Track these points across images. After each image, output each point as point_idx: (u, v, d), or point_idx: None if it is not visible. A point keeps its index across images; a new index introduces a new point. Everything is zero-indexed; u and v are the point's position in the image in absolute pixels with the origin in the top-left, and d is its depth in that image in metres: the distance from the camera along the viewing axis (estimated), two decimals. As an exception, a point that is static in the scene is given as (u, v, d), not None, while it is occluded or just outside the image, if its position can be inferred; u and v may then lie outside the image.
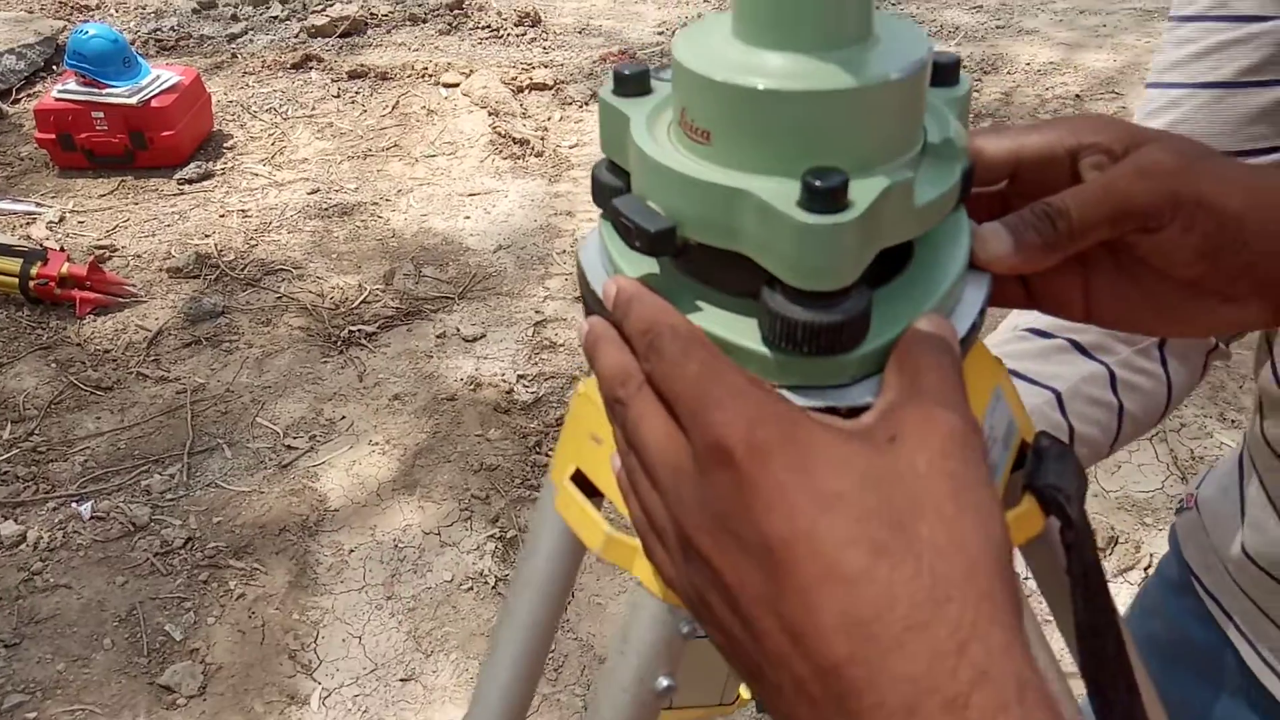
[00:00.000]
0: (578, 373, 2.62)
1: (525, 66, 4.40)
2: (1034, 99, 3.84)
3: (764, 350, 0.34)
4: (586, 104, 4.10)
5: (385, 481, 2.30)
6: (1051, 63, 4.10)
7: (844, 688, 0.27)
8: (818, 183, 0.30)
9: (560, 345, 2.73)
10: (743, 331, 0.34)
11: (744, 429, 0.30)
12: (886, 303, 0.35)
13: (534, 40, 4.71)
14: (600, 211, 0.39)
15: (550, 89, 4.22)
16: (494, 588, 2.05)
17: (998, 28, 4.50)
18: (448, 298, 2.95)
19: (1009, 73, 4.07)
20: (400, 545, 2.15)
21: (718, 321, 0.35)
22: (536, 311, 2.87)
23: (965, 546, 0.28)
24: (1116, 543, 2.09)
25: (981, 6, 4.74)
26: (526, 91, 4.20)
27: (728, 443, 0.30)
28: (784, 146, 0.32)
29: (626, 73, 0.38)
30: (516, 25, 4.82)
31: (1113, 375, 0.61)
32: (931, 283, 0.36)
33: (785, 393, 0.34)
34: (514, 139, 3.77)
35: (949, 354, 0.33)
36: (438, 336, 2.79)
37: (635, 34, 4.74)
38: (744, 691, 0.77)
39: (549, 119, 3.99)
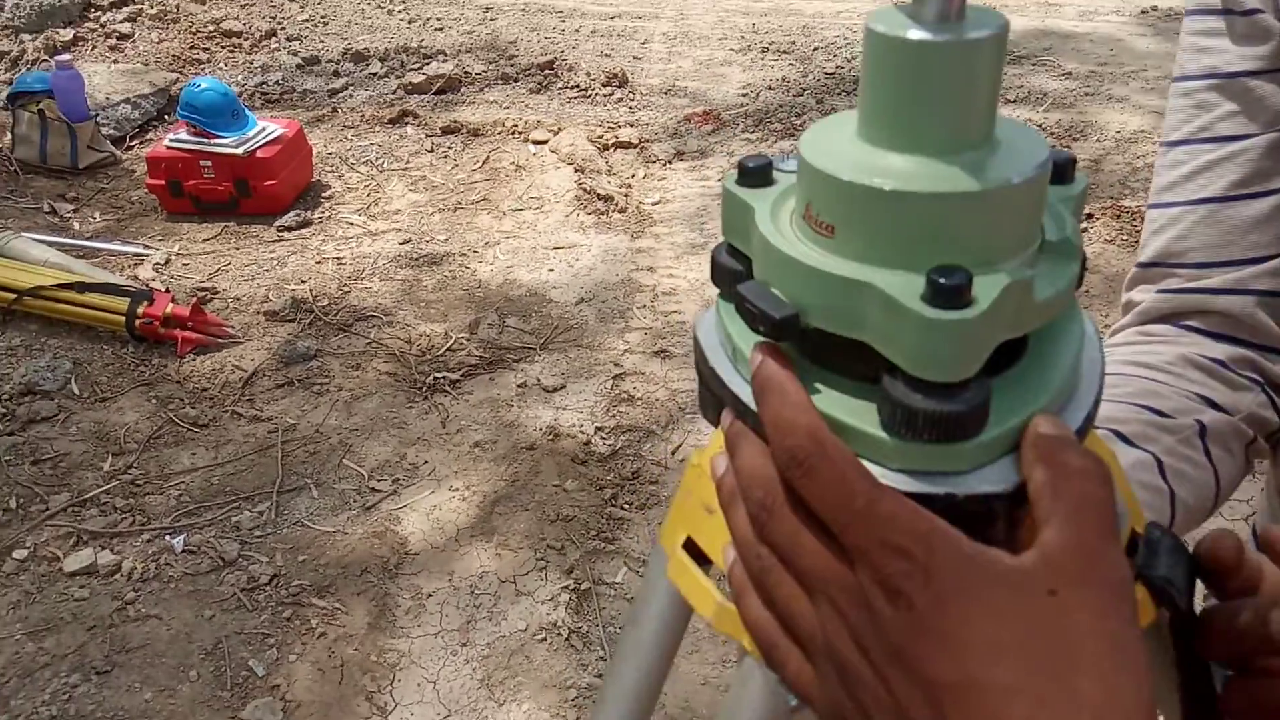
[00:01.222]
0: (654, 427, 2.65)
1: (611, 125, 4.50)
2: (1124, 166, 3.79)
3: (883, 435, 0.35)
4: (669, 162, 4.18)
5: (464, 527, 2.34)
6: (1141, 130, 4.04)
7: None
8: (942, 280, 0.32)
9: (638, 399, 2.76)
10: (861, 415, 0.36)
11: (922, 578, 0.32)
12: (1004, 392, 0.36)
13: (620, 100, 4.83)
14: (719, 292, 0.42)
15: (635, 147, 4.31)
16: (567, 639, 2.06)
17: (1087, 94, 4.47)
18: (530, 348, 3.00)
19: (1098, 140, 4.03)
20: (476, 591, 2.17)
21: (836, 404, 0.36)
22: (615, 365, 2.91)
23: (1121, 703, 0.30)
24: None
25: (1071, 74, 4.72)
26: (612, 149, 4.29)
27: (907, 588, 0.32)
28: (908, 243, 0.34)
29: (750, 165, 0.40)
30: (604, 85, 4.94)
31: (1160, 462, 0.61)
32: (1048, 373, 0.37)
33: (902, 476, 0.35)
34: (598, 195, 3.85)
35: (1106, 486, 0.34)
36: (519, 386, 2.84)
37: (719, 95, 4.82)
38: None
39: (633, 176, 4.07)
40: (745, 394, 0.40)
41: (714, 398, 0.42)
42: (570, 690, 1.95)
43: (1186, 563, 0.40)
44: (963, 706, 0.30)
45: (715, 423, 0.43)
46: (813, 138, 0.38)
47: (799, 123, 4.36)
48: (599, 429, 2.65)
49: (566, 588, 2.17)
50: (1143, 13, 6.02)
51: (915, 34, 0.34)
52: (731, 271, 0.40)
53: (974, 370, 0.33)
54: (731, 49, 5.41)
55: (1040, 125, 4.16)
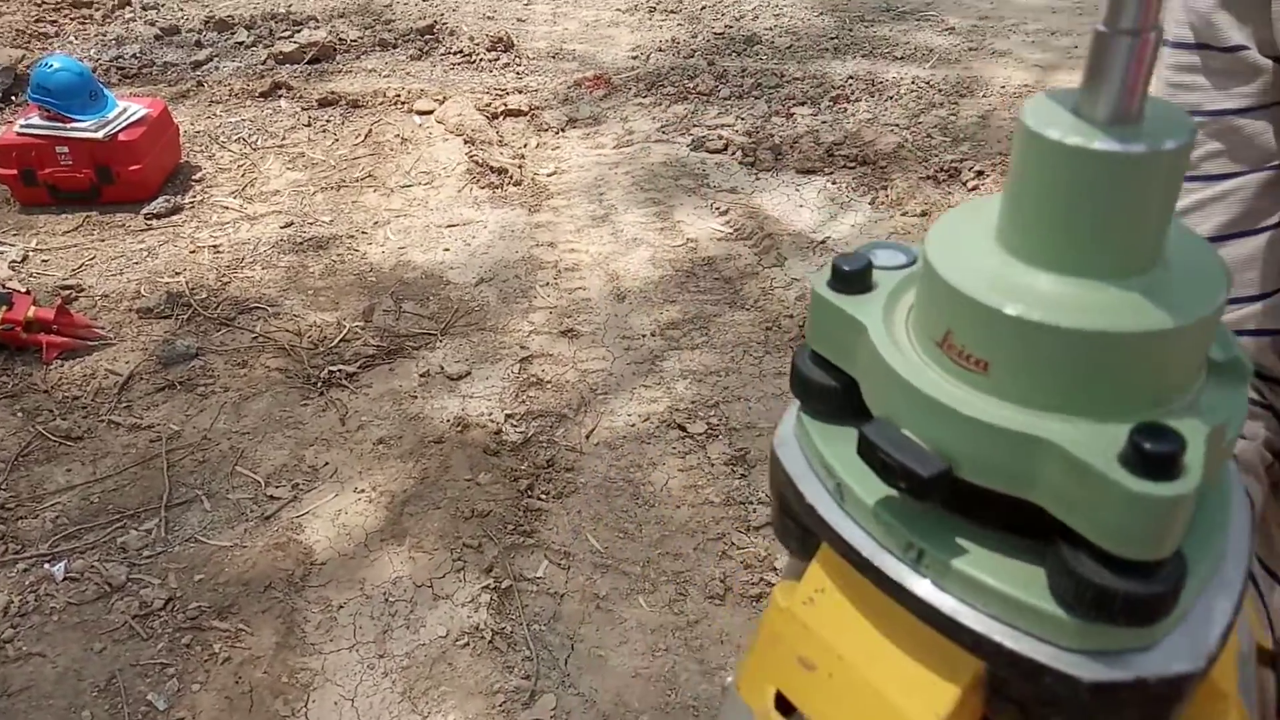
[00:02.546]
0: (566, 410, 2.57)
1: (499, 93, 4.35)
2: (1010, 121, 3.84)
3: (1061, 614, 0.29)
4: (563, 130, 4.06)
5: (373, 531, 2.23)
6: (1026, 85, 4.11)
7: None
8: (1149, 446, 0.26)
9: (548, 382, 2.68)
10: (1026, 586, 0.29)
11: None
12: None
13: (507, 66, 4.67)
14: (800, 405, 0.36)
15: (525, 115, 4.17)
16: (490, 642, 1.98)
17: (970, 49, 4.52)
18: (430, 334, 2.88)
19: (984, 95, 4.08)
20: (391, 599, 2.07)
21: (994, 571, 0.30)
22: (522, 347, 2.81)
23: None
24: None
25: (954, 29, 4.76)
26: (501, 118, 4.15)
27: None
28: (1089, 386, 0.28)
29: (848, 269, 0.34)
30: (489, 51, 4.77)
31: None
32: (1217, 523, 0.32)
33: (1082, 658, 0.29)
34: (491, 168, 3.71)
35: None
36: (421, 375, 2.72)
37: (609, 58, 4.70)
38: None
39: (525, 146, 3.94)
40: (855, 536, 0.33)
41: (800, 529, 0.35)
42: (498, 695, 1.88)
43: None
44: None
45: (798, 554, 0.36)
46: (944, 244, 0.31)
47: (691, 85, 4.29)
48: (509, 416, 2.56)
49: (486, 587, 2.09)
50: (1017, -35, 6.11)
51: (1100, 144, 0.27)
52: (825, 389, 0.34)
53: (1179, 545, 0.28)
54: (618, 9, 5.29)
55: (928, 82, 4.19)
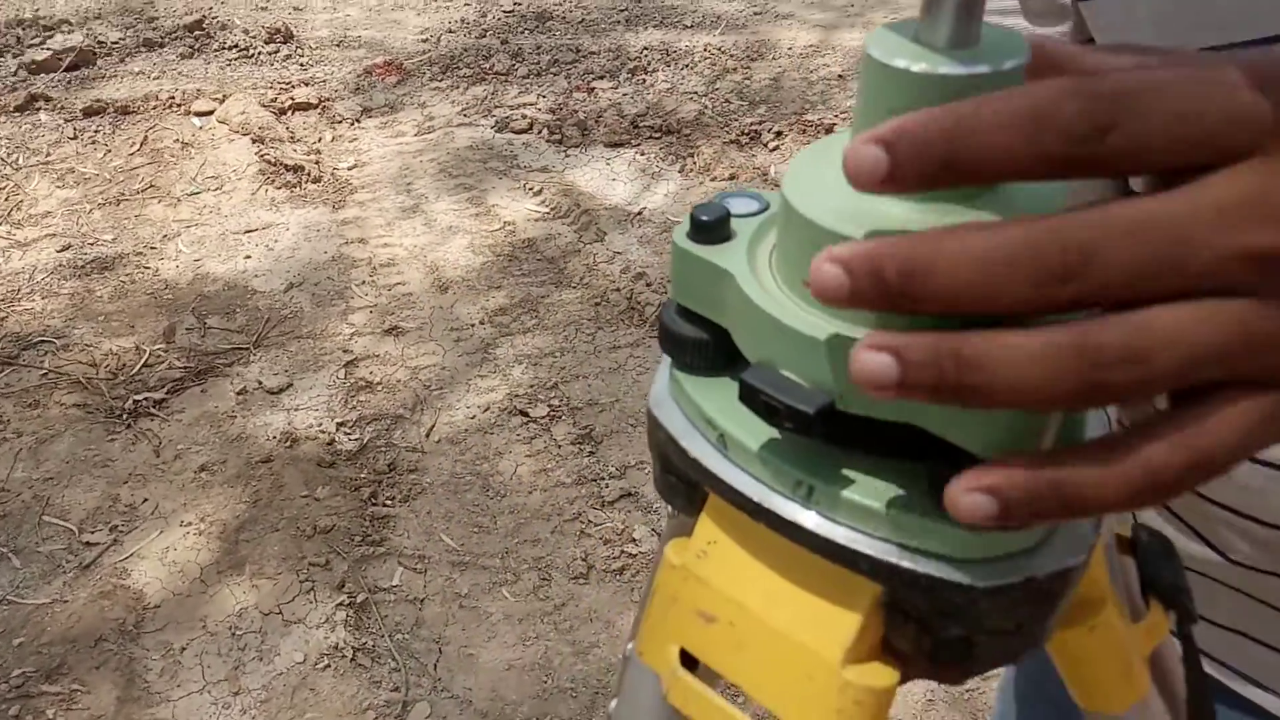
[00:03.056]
0: (402, 411, 2.49)
1: (284, 86, 4.13)
2: (802, 81, 3.99)
3: (951, 528, 0.29)
4: (358, 121, 3.90)
5: (208, 565, 2.09)
6: (812, 45, 4.27)
7: None
8: None
9: (378, 384, 2.58)
10: (916, 507, 0.30)
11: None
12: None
13: (289, 57, 4.44)
14: (673, 362, 0.36)
15: (316, 108, 3.99)
16: (353, 660, 1.91)
17: (756, 14, 4.66)
18: (242, 348, 2.72)
19: (774, 58, 4.21)
20: (238, 633, 1.96)
21: (882, 496, 0.30)
22: (344, 351, 2.70)
23: None
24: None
25: (737, -7, 4.89)
26: (290, 113, 3.94)
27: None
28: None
29: (706, 219, 0.33)
30: (267, 43, 4.52)
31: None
32: (1077, 421, 0.33)
33: (975, 568, 0.30)
34: (286, 166, 3.53)
35: None
36: (238, 393, 2.56)
37: (398, 42, 4.55)
38: None
39: (320, 141, 3.77)
40: (743, 483, 0.32)
41: (685, 485, 0.35)
42: (368, 713, 1.82)
43: (1178, 561, 0.38)
44: None
45: (685, 510, 0.35)
46: (800, 183, 0.30)
47: (488, 66, 4.21)
48: (341, 424, 2.45)
49: (341, 604, 2.01)
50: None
51: (945, 69, 0.27)
52: (696, 342, 0.34)
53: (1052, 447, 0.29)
54: (401, -8, 5.13)
55: (720, 49, 4.28)
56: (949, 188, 0.26)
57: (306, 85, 4.15)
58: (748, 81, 4.02)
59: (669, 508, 0.48)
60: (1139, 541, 0.38)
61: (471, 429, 2.44)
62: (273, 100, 3.98)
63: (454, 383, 2.58)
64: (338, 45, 4.57)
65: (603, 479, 2.27)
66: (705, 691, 0.34)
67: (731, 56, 4.21)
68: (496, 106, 3.92)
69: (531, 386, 2.55)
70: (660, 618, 0.36)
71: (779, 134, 3.61)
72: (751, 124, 3.66)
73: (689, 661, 0.36)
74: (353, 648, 1.92)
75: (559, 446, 2.37)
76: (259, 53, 4.47)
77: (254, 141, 3.68)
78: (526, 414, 2.46)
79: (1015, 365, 0.25)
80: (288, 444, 2.39)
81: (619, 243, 3.05)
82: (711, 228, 0.33)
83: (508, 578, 2.07)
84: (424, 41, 4.55)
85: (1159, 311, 0.25)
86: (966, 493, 0.26)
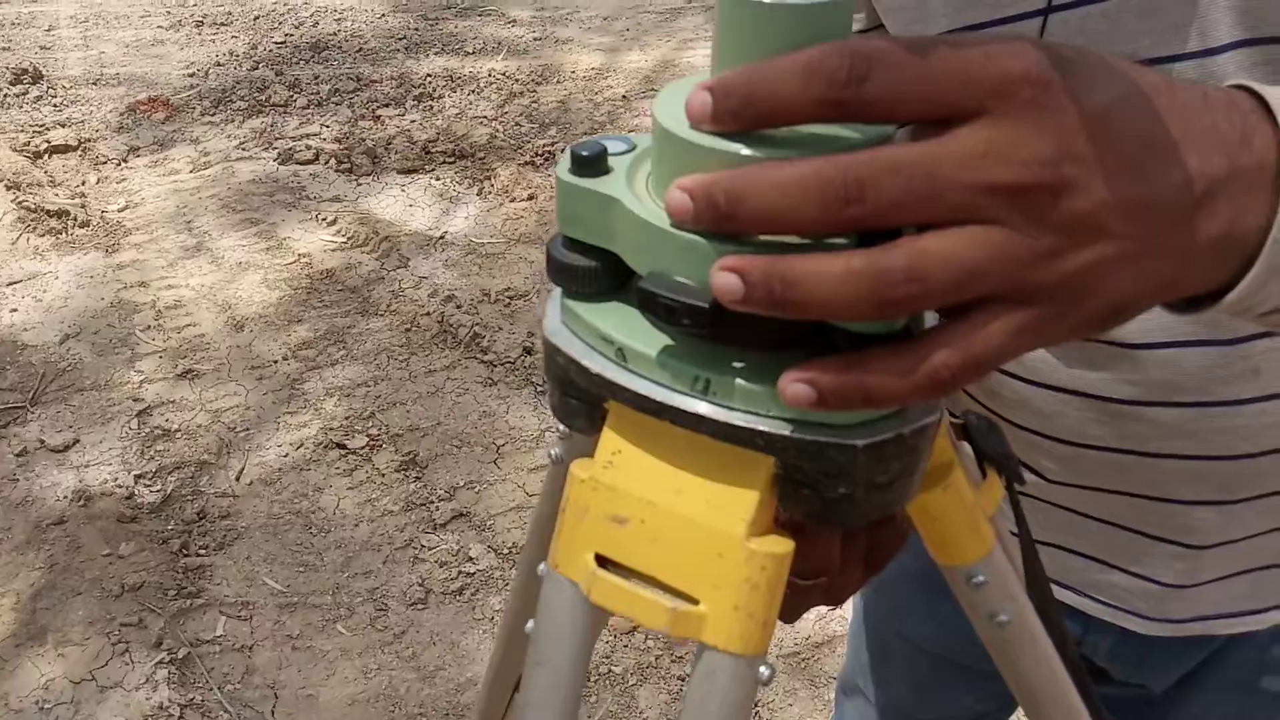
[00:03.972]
0: (206, 456, 2.36)
1: (37, 129, 3.82)
2: (588, 103, 4.10)
3: None
4: (124, 161, 3.67)
5: (4, 639, 1.91)
6: (594, 68, 4.39)
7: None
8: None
9: (176, 431, 2.44)
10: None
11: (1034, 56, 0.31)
12: None
13: (40, 99, 4.11)
14: (562, 291, 0.39)
15: (76, 150, 3.71)
16: (180, 718, 1.79)
17: (536, 40, 4.73)
18: (17, 407, 2.49)
19: (559, 81, 4.30)
20: (46, 706, 1.80)
21: (772, 378, 0.34)
22: (135, 400, 2.53)
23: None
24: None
25: (516, 20, 4.95)
26: (47, 156, 3.66)
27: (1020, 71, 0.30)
28: None
29: (586, 154, 0.37)
30: (14, 84, 4.16)
31: None
32: None
33: (857, 432, 0.35)
34: (48, 211, 3.26)
35: None
36: (17, 455, 2.35)
37: (163, 78, 4.31)
38: None
39: (84, 184, 3.51)
40: (644, 388, 0.36)
41: (586, 405, 0.37)
42: (203, 773, 1.71)
43: (1002, 434, 0.45)
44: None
45: (586, 430, 0.38)
46: (672, 109, 0.35)
47: (264, 97, 4.06)
48: (139, 477, 2.30)
49: (160, 662, 1.88)
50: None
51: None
52: (586, 270, 0.37)
53: (908, 319, 0.34)
54: (160, 26, 4.85)
55: (505, 74, 4.33)
56: (758, 126, 0.33)
57: (63, 126, 3.86)
58: (536, 104, 4.08)
59: (557, 447, 0.51)
60: (969, 424, 0.45)
61: (286, 467, 2.34)
62: (25, 144, 3.68)
63: (261, 422, 2.48)
64: (94, 83, 4.28)
65: (432, 502, 2.24)
66: (625, 584, 0.37)
67: (518, 81, 4.26)
68: (278, 138, 3.78)
69: (346, 418, 2.48)
70: (573, 530, 0.39)
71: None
72: (544, 145, 3.72)
73: (603, 564, 0.39)
74: (179, 705, 1.81)
75: (382, 475, 2.32)
76: (5, 95, 4.11)
77: (9, 188, 3.38)
78: (344, 446, 2.39)
79: (824, 285, 0.31)
80: (81, 503, 2.21)
81: (424, 267, 3.02)
82: (593, 162, 0.37)
83: (341, 613, 2.01)
84: (191, 76, 4.33)
85: (932, 238, 0.31)
86: (792, 382, 0.32)
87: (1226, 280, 0.34)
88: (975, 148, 0.30)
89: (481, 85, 4.23)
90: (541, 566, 0.41)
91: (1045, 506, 0.76)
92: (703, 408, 0.35)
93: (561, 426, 0.44)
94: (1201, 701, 0.82)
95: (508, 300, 2.89)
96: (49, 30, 4.86)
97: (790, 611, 0.48)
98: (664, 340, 0.36)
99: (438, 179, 3.53)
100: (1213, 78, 0.53)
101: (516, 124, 3.91)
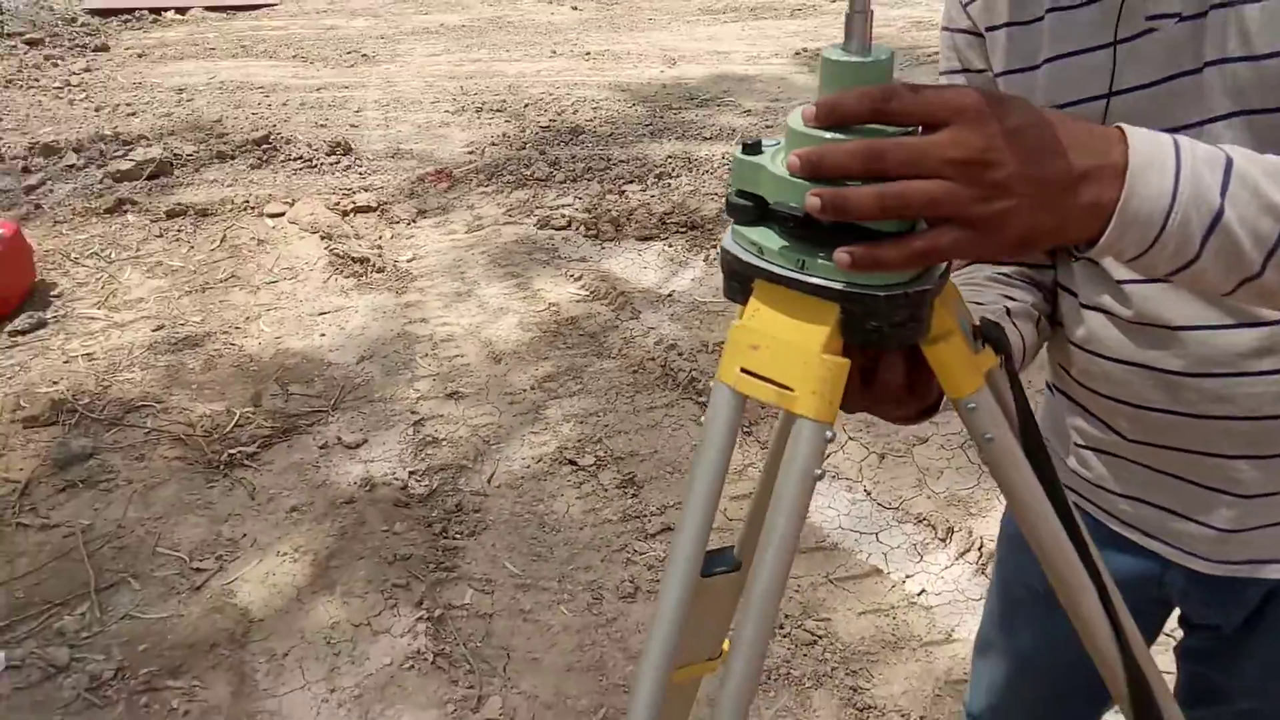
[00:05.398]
0: (465, 462, 2.82)
1: (346, 192, 4.60)
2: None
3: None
4: (413, 221, 4.34)
5: (303, 586, 2.39)
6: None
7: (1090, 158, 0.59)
8: None
9: (443, 439, 2.92)
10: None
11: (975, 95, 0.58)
12: None
13: (349, 167, 4.92)
14: (734, 222, 0.68)
15: (375, 210, 4.43)
16: (433, 662, 2.19)
17: (767, 127, 5.14)
18: (321, 411, 3.07)
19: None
20: (332, 641, 2.25)
21: (829, 259, 0.61)
22: (412, 412, 3.05)
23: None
24: (953, 532, 2.50)
25: (750, 110, 5.39)
26: (353, 214, 4.39)
27: (970, 104, 0.58)
28: None
29: (750, 143, 0.67)
30: (329, 155, 5.01)
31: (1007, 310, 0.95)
32: None
33: (879, 288, 0.62)
34: (353, 258, 3.94)
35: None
36: (320, 448, 2.90)
37: (446, 154, 5.04)
38: (725, 645, 1.03)
39: (381, 238, 4.20)
40: (771, 267, 0.65)
41: (740, 285, 0.68)
42: (448, 705, 2.09)
43: (1004, 331, 0.72)
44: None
45: (740, 300, 0.68)
46: (794, 117, 0.66)
47: (529, 173, 4.67)
48: (412, 473, 2.78)
49: (420, 618, 2.30)
50: (796, 54, 6.93)
51: (854, 58, 0.62)
52: (746, 207, 0.66)
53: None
54: (447, 111, 5.65)
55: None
56: (837, 125, 0.61)
57: (366, 191, 4.61)
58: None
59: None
60: (983, 321, 0.72)
61: (527, 476, 2.76)
62: (337, 204, 4.44)
63: (510, 438, 2.92)
64: (392, 157, 5.06)
65: (645, 515, 2.58)
66: (756, 381, 0.66)
67: (748, 163, 4.66)
68: (538, 207, 4.35)
69: (579, 441, 2.88)
70: (730, 354, 0.68)
71: (792, 229, 4.01)
72: (767, 220, 4.07)
73: (744, 373, 0.68)
74: (433, 653, 2.21)
75: (605, 490, 2.69)
76: (321, 163, 4.95)
77: (322, 238, 4.11)
78: (575, 463, 2.78)
79: (860, 202, 0.59)
80: (367, 488, 2.71)
81: (652, 319, 3.42)
82: (754, 148, 0.67)
83: (565, 597, 2.36)
84: (470, 153, 5.04)
85: (916, 182, 0.59)
86: (841, 253, 0.61)
87: (1096, 234, 0.61)
88: (943, 140, 0.59)
89: (715, 166, 4.66)
90: (712, 381, 0.71)
91: (1126, 464, 0.98)
92: (801, 276, 0.64)
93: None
94: (1265, 640, 0.99)
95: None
96: (358, 112, 5.77)
97: (848, 404, 0.73)
98: (782, 241, 0.65)
99: (669, 245, 3.96)
100: (1207, 136, 0.78)
101: (745, 200, 4.30)
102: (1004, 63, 0.91)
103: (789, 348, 0.64)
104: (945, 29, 0.99)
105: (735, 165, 0.67)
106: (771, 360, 0.65)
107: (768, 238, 0.65)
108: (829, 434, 0.64)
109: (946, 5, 0.98)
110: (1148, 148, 0.60)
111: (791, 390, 0.64)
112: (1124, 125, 0.61)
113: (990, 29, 0.92)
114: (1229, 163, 0.60)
